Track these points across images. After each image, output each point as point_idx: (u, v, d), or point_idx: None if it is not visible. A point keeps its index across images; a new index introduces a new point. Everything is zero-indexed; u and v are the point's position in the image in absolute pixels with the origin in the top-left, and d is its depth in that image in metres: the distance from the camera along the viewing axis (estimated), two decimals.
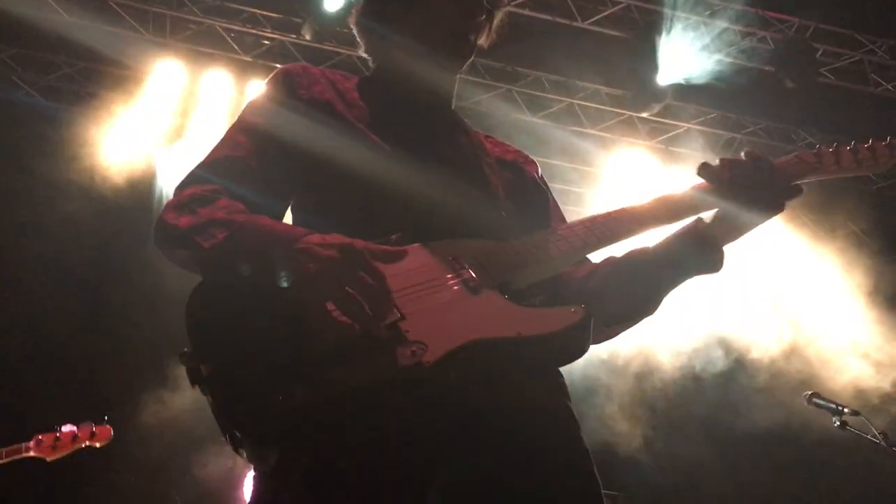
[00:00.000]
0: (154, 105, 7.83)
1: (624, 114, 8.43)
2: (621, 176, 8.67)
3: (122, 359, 7.54)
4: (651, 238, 2.05)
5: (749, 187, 1.94)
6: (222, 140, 2.05)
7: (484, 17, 2.15)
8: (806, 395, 4.92)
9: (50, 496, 6.67)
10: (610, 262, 2.10)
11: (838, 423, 4.66)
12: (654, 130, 8.75)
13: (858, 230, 9.21)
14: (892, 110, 7.88)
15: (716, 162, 2.00)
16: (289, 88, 2.07)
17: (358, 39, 2.28)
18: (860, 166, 2.07)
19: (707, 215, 2.02)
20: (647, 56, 7.34)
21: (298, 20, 7.45)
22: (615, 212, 2.02)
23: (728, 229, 2.00)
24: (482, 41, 2.21)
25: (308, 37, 7.22)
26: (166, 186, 7.91)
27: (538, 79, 8.26)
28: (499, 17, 2.21)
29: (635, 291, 2.04)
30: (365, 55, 2.29)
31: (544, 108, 8.42)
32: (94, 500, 7.20)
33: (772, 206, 1.96)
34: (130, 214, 7.68)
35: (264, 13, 7.59)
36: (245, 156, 1.99)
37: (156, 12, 7.50)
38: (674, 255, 2.01)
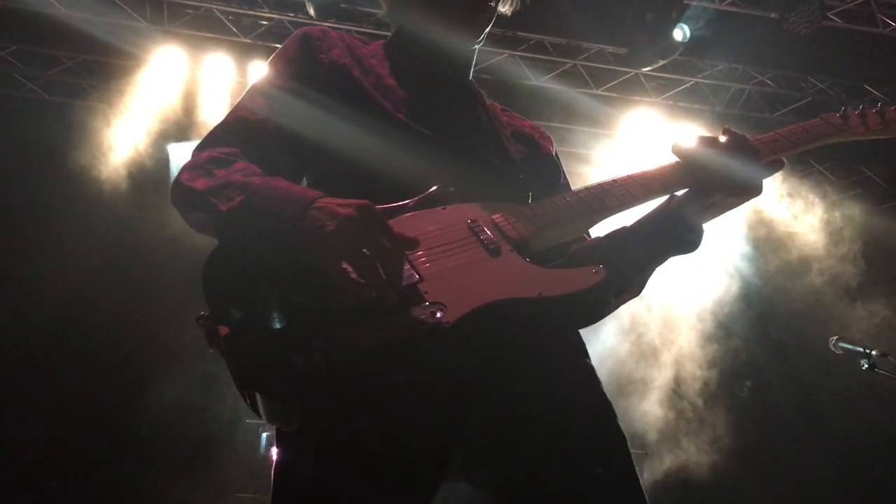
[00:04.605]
0: (157, 92, 7.81)
1: (629, 72, 8.34)
2: (631, 135, 8.59)
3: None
4: (630, 217, 1.99)
5: (725, 167, 1.87)
6: (242, 100, 2.05)
7: None
8: (832, 340, 4.86)
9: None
10: (594, 241, 2.06)
11: (867, 365, 4.61)
12: (660, 87, 8.64)
13: (874, 175, 9.12)
14: None
15: (692, 141, 1.94)
16: (308, 51, 2.07)
17: (380, 2, 2.26)
18: (887, 127, 2.04)
19: (682, 193, 1.94)
20: (663, 10, 7.20)
21: None
22: (635, 175, 1.98)
23: (703, 208, 1.92)
24: (504, 9, 2.18)
25: (311, 12, 7.15)
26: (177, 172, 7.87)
27: (540, 42, 8.17)
28: None
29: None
30: (386, 19, 2.27)
31: (548, 71, 8.35)
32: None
33: (748, 188, 1.89)
34: (141, 204, 7.67)
35: None
36: (263, 119, 1.99)
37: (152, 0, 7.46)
38: (647, 235, 1.96)
